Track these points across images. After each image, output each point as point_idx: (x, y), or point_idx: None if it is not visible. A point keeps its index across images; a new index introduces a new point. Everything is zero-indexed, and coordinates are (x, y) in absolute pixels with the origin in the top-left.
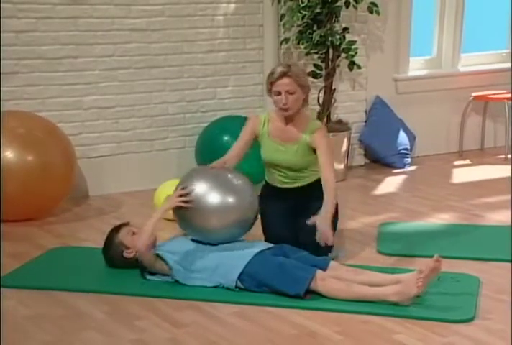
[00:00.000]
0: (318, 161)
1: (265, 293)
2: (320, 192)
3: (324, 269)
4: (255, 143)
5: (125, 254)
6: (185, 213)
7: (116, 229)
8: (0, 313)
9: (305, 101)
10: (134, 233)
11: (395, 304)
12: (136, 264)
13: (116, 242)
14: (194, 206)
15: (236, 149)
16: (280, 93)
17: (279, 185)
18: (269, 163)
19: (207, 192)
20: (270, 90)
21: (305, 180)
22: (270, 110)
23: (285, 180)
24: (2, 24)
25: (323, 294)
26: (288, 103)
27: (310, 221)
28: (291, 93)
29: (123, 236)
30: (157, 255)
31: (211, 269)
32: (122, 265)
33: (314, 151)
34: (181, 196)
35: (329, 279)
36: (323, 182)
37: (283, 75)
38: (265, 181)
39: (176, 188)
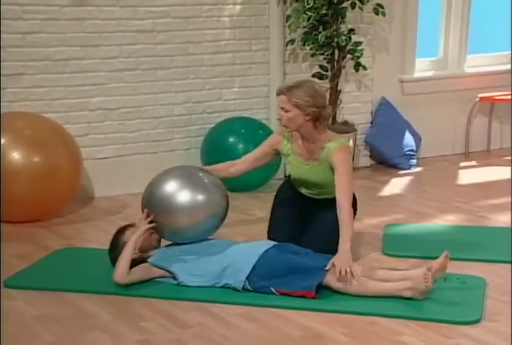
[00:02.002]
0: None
1: (272, 294)
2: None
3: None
4: (275, 159)
5: None
6: (156, 217)
7: (122, 230)
8: (0, 313)
9: (317, 121)
10: None
11: (404, 303)
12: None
13: (121, 243)
14: (163, 215)
15: (249, 156)
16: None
17: (303, 194)
18: (297, 181)
19: (175, 192)
20: None
21: (332, 193)
22: None
23: (312, 194)
24: (8, 25)
25: (335, 289)
26: (282, 120)
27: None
28: (286, 111)
29: (128, 237)
30: (157, 266)
31: (218, 271)
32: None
33: None
34: (146, 219)
35: (342, 275)
36: (338, 210)
37: (280, 92)
38: (288, 178)
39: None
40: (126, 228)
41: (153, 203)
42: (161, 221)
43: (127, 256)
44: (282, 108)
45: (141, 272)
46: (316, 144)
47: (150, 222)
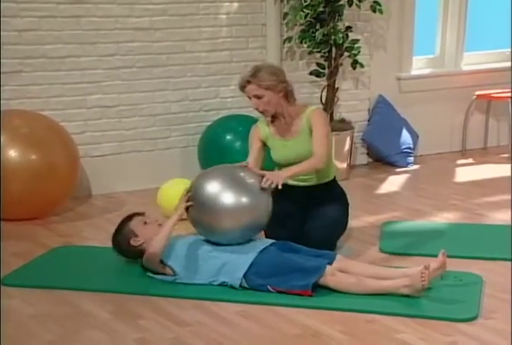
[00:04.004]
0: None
1: (269, 292)
2: (334, 193)
3: (331, 262)
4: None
5: (132, 241)
6: (198, 213)
7: (130, 217)
8: (0, 312)
9: (289, 96)
10: (145, 223)
11: (402, 301)
12: (140, 255)
13: (126, 229)
14: (207, 206)
15: (251, 160)
16: (251, 98)
17: (296, 184)
18: (282, 164)
19: (222, 192)
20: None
21: (321, 175)
22: None
23: (301, 181)
24: (5, 23)
25: (333, 288)
26: (259, 107)
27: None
28: (260, 97)
29: (134, 224)
30: (161, 262)
31: (216, 268)
32: (127, 253)
33: None
34: (187, 201)
35: (339, 274)
36: (312, 157)
37: (247, 83)
38: None
39: (186, 190)
40: (134, 216)
41: (201, 197)
42: (202, 218)
43: (169, 231)
44: (255, 96)
45: (159, 259)
46: (293, 116)
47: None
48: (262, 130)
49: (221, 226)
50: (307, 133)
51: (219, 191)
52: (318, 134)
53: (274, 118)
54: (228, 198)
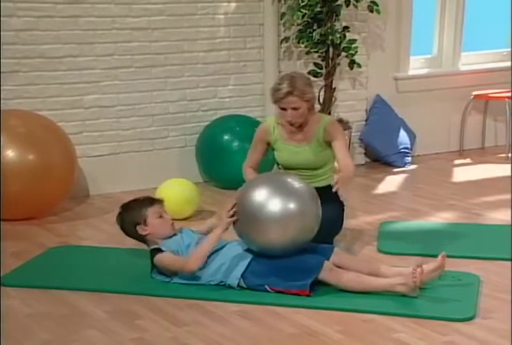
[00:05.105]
0: (335, 153)
1: (267, 292)
2: (331, 193)
3: (328, 257)
4: (270, 151)
5: (138, 228)
6: (243, 226)
7: (152, 201)
8: (0, 312)
9: (312, 106)
10: (160, 217)
11: (400, 301)
12: (136, 237)
13: (141, 212)
14: (252, 218)
15: (254, 161)
16: (285, 109)
17: None
18: (287, 166)
19: (266, 203)
20: (274, 103)
21: (323, 179)
22: (276, 113)
23: (316, 179)
24: (2, 22)
25: (332, 284)
26: (293, 119)
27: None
28: (297, 109)
29: (152, 212)
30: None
31: (214, 269)
32: (127, 232)
33: (329, 144)
34: (231, 215)
35: (337, 270)
36: (344, 169)
37: (289, 94)
38: None
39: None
40: (156, 203)
41: (248, 208)
42: (249, 229)
43: (210, 248)
44: (293, 108)
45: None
46: (310, 124)
47: (233, 217)
48: (270, 131)
49: (271, 237)
50: (320, 141)
51: (266, 201)
52: (342, 147)
53: (298, 126)
54: (276, 207)
